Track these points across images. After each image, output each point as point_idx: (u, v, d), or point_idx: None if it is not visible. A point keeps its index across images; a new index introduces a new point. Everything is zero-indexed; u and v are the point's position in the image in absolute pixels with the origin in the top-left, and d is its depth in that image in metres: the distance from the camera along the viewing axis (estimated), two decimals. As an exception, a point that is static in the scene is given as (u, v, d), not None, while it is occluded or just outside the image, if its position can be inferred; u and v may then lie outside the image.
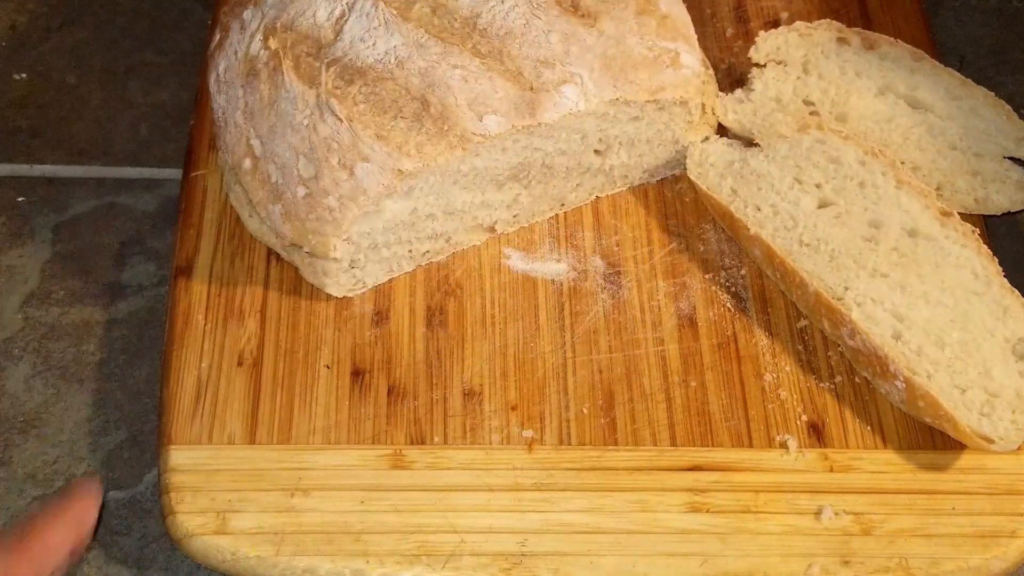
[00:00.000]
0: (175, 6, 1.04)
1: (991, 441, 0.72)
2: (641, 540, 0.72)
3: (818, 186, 0.82)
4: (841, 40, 0.90)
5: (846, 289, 0.77)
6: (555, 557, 0.71)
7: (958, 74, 0.88)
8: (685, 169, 0.85)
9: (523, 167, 0.81)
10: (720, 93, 0.88)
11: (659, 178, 0.88)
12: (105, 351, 0.85)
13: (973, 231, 0.79)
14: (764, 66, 0.89)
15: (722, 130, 0.88)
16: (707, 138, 0.86)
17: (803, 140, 0.83)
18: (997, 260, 0.78)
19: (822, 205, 0.82)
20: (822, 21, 0.91)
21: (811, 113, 0.87)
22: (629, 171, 0.87)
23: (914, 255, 0.78)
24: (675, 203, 0.87)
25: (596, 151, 0.84)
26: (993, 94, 0.87)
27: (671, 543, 0.72)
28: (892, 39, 0.90)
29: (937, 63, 0.89)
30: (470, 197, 0.81)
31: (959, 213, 0.82)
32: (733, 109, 0.87)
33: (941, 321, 0.76)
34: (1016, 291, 0.77)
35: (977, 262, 0.78)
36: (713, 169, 0.84)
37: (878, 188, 0.81)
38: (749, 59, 0.89)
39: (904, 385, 0.74)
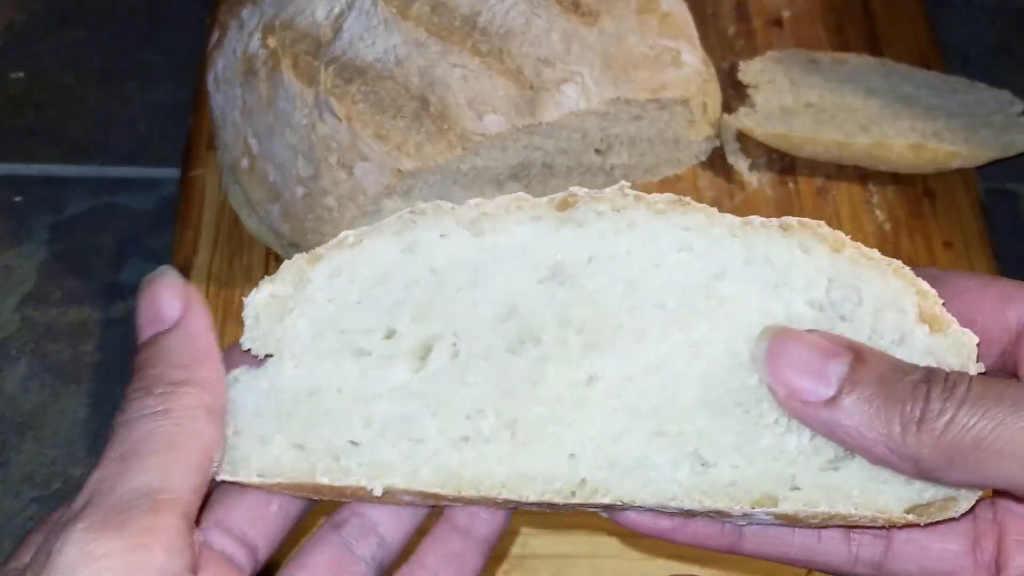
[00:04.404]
0: (173, 5, 1.04)
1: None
2: (641, 541, 0.72)
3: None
4: (813, 60, 0.92)
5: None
6: (555, 559, 0.71)
7: (935, 72, 0.92)
8: (686, 168, 0.85)
9: (523, 166, 0.81)
10: (725, 114, 0.88)
11: (660, 178, 0.88)
12: (103, 352, 0.84)
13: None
14: (756, 86, 0.91)
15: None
16: None
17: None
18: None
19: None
20: (790, 50, 0.93)
21: (817, 112, 0.88)
22: (630, 170, 0.86)
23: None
24: (676, 203, 0.87)
25: (597, 150, 0.83)
26: (971, 81, 0.91)
27: (672, 543, 0.71)
28: (858, 54, 0.93)
29: (911, 67, 0.92)
30: (470, 196, 0.81)
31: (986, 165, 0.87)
32: (742, 122, 0.88)
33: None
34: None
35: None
36: None
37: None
38: (741, 82, 0.91)
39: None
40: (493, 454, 0.48)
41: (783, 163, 0.89)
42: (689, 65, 0.82)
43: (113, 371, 0.84)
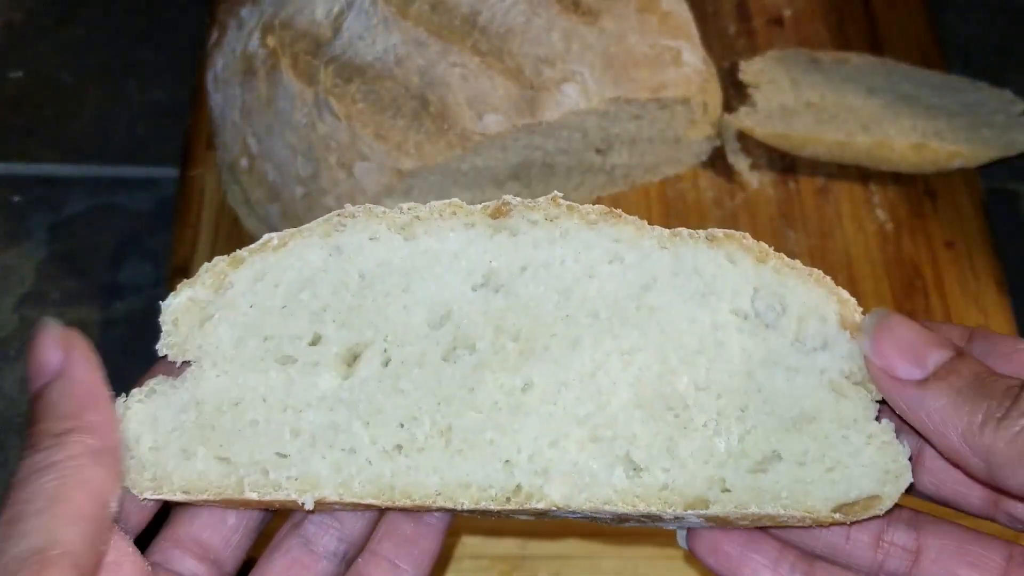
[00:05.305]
0: (172, 4, 1.03)
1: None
2: (640, 542, 0.71)
3: None
4: (814, 60, 0.92)
5: None
6: (555, 560, 0.71)
7: (937, 72, 0.92)
8: (687, 168, 0.85)
9: (524, 166, 0.81)
10: (726, 114, 0.88)
11: (660, 177, 0.88)
12: (101, 352, 0.83)
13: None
14: (757, 86, 0.91)
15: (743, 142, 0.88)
16: None
17: None
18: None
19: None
20: (790, 49, 0.93)
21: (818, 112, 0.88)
22: (630, 170, 0.86)
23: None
24: (677, 202, 0.86)
25: (597, 150, 0.83)
26: (972, 80, 0.91)
27: (673, 545, 0.71)
28: (859, 53, 0.93)
29: (912, 66, 0.92)
30: (470, 196, 0.80)
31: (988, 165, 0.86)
32: (742, 122, 0.87)
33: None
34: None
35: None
36: None
37: None
38: (742, 81, 0.91)
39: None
40: (427, 463, 0.47)
41: (784, 163, 0.89)
42: (690, 64, 0.82)
43: (111, 372, 0.83)
